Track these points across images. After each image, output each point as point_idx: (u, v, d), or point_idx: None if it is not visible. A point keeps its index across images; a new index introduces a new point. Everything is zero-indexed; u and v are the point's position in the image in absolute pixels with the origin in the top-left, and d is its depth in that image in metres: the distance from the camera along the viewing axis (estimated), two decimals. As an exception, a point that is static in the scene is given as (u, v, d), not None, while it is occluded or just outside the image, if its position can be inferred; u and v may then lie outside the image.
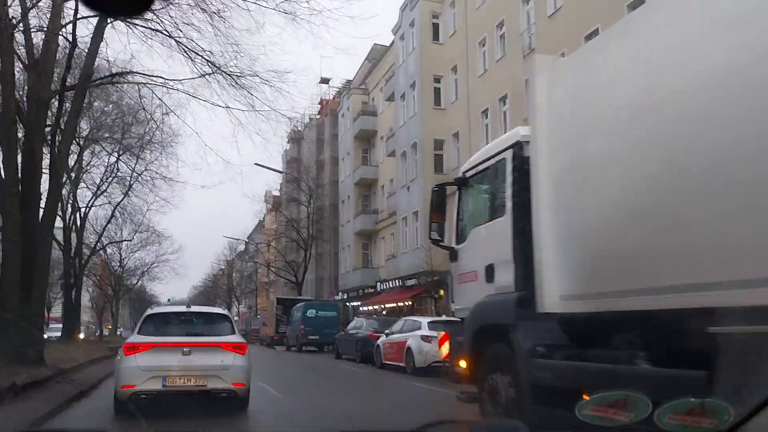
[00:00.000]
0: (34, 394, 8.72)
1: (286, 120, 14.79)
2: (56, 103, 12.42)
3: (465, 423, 2.45)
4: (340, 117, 46.12)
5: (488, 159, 6.39)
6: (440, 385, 12.25)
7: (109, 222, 28.84)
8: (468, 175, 6.88)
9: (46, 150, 12.94)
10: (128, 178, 27.12)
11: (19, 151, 11.15)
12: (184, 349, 7.72)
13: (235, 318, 64.73)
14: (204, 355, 7.83)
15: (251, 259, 59.53)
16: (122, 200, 28.40)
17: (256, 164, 33.01)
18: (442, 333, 13.43)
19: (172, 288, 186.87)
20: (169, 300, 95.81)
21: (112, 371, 12.91)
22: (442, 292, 27.14)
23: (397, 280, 34.24)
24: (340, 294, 42.92)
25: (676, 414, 1.91)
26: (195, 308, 9.64)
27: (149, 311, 9.67)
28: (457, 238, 7.11)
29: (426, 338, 13.86)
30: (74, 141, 23.88)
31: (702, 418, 1.88)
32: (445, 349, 13.41)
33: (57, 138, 12.41)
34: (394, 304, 33.56)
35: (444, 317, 16.13)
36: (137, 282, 48.81)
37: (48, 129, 12.27)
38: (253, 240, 64.32)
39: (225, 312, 9.99)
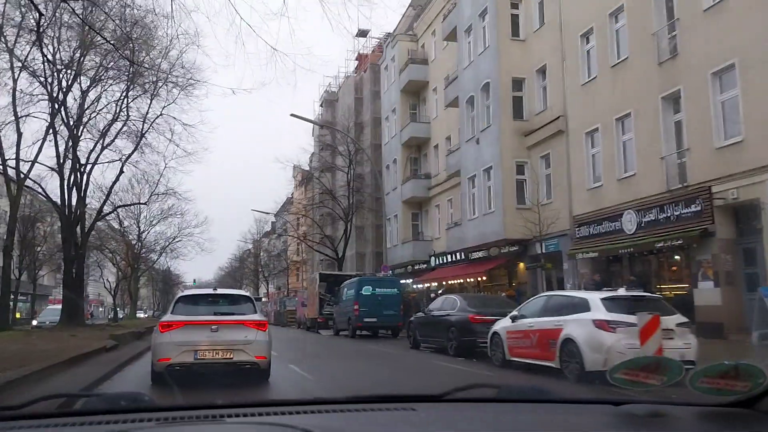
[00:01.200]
0: None
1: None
2: None
3: (494, 386, 2.09)
4: (382, 70, 40.59)
5: None
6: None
7: (117, 179, 23.81)
8: None
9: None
10: (141, 125, 22.10)
11: None
12: (212, 327, 8.74)
13: (264, 299, 60.64)
14: (230, 331, 8.78)
15: (284, 232, 54.57)
16: (134, 152, 23.37)
17: (292, 115, 27.67)
18: (648, 317, 8.07)
19: (198, 266, 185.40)
20: (194, 281, 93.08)
21: (91, 382, 7.99)
22: (549, 265, 21.15)
23: (458, 253, 28.90)
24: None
25: (708, 377, 1.84)
26: (221, 290, 10.76)
27: (180, 294, 11.12)
28: None
29: (605, 325, 8.50)
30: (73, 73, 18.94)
31: (736, 382, 1.82)
32: (654, 344, 8.08)
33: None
34: (459, 281, 28.22)
35: (623, 290, 10.51)
36: (158, 258, 44.10)
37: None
38: (283, 213, 59.41)
39: (247, 294, 10.76)
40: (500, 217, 23.53)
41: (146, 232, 40.59)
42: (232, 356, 8.58)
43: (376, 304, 22.14)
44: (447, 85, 30.19)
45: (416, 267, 34.56)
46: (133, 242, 40.31)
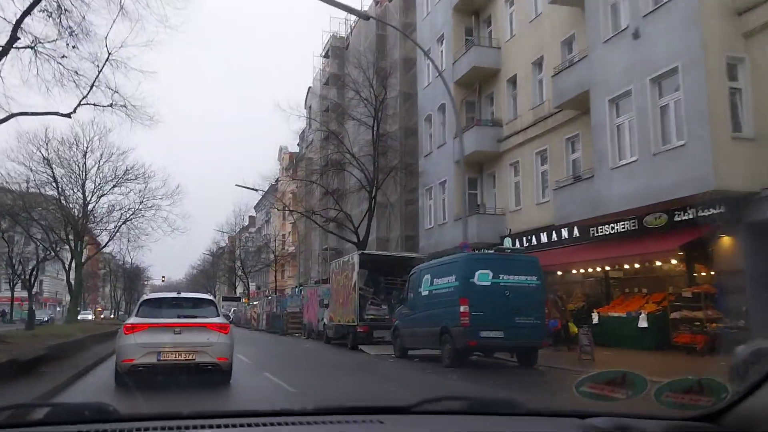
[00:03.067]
0: None
1: None
2: None
3: (464, 398, 2.10)
4: (420, -11, 30.26)
5: None
6: None
7: (9, 46, 12.35)
8: None
9: None
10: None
11: None
12: (176, 329, 9.11)
13: (243, 300, 49.66)
14: (192, 333, 9.19)
15: (278, 202, 43.59)
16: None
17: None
18: None
19: (168, 263, 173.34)
20: (163, 278, 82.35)
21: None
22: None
23: (565, 229, 18.86)
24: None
25: (673, 392, 1.87)
26: (184, 294, 10.73)
27: (145, 297, 11.22)
28: None
29: None
30: None
31: (700, 397, 1.84)
32: None
33: None
34: (592, 268, 17.94)
35: None
36: (112, 236, 32.78)
37: None
38: (273, 193, 48.59)
39: (210, 297, 11.31)
40: (705, 152, 13.30)
41: (94, 203, 29.60)
42: (194, 357, 9.00)
43: (501, 306, 11.77)
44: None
45: (478, 251, 24.31)
46: (77, 214, 29.26)
